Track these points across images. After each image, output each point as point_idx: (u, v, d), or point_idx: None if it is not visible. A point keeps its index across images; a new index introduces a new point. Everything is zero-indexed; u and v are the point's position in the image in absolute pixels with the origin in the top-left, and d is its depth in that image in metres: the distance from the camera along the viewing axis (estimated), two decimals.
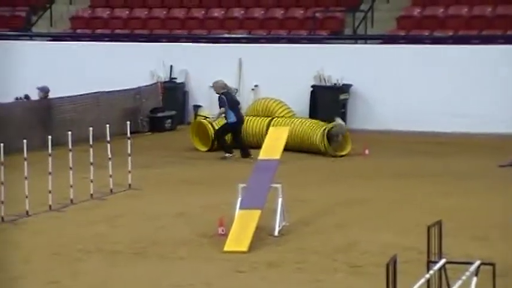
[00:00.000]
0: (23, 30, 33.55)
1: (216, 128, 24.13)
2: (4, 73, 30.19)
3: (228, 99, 23.62)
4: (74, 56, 30.58)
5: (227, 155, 23.41)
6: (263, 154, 16.94)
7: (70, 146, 18.34)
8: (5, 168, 16.89)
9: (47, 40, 32.53)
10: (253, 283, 13.32)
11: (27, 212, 17.17)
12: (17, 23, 33.86)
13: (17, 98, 26.70)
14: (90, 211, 17.96)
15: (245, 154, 23.28)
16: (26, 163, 17.20)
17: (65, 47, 31.49)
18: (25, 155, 17.25)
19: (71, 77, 28.73)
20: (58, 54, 30.86)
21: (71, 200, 18.27)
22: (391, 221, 16.76)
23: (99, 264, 14.26)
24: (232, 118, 23.49)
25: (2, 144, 16.88)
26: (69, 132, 18.55)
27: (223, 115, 23.69)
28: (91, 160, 18.77)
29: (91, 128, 18.96)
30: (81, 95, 25.95)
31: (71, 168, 18.28)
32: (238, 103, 24.33)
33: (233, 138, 23.91)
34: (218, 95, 23.72)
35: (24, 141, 17.40)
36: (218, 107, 23.71)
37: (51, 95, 26.52)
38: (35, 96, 26.84)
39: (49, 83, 26.98)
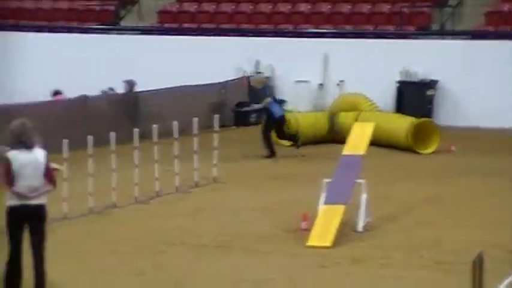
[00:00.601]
0: (111, 24, 33.87)
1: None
2: (92, 66, 30.51)
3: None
4: (161, 50, 30.79)
5: (270, 154, 23.18)
6: (347, 149, 16.81)
7: (156, 139, 18.50)
8: (93, 161, 17.12)
9: (135, 34, 32.74)
10: (337, 278, 13.30)
11: (114, 203, 17.38)
12: (106, 17, 34.19)
13: (102, 91, 26.96)
14: (175, 204, 18.11)
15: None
16: (113, 155, 17.41)
17: (153, 41, 31.73)
18: (113, 147, 17.45)
19: (157, 70, 28.88)
20: (145, 48, 31.12)
21: (157, 193, 18.43)
22: (477, 219, 16.59)
23: (183, 256, 14.36)
24: (280, 112, 23.41)
25: (91, 137, 17.14)
26: (155, 126, 18.72)
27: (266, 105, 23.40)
28: (176, 153, 18.92)
29: (176, 122, 19.13)
30: (167, 88, 26.12)
31: (156, 161, 18.43)
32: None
33: (277, 131, 23.61)
34: (261, 88, 23.66)
35: (112, 134, 17.60)
36: (261, 99, 23.63)
37: (137, 88, 26.79)
38: (120, 89, 27.09)
39: (136, 76, 27.24)
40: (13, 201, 11.51)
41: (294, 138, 23.53)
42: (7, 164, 11.44)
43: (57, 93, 26.80)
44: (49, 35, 32.76)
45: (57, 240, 15.19)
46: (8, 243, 11.64)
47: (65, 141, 16.71)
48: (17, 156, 11.48)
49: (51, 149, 17.09)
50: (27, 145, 11.58)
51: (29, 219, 11.62)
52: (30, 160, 11.54)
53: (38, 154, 11.65)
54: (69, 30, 33.09)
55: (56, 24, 33.65)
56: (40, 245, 11.69)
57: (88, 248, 14.81)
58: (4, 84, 30.11)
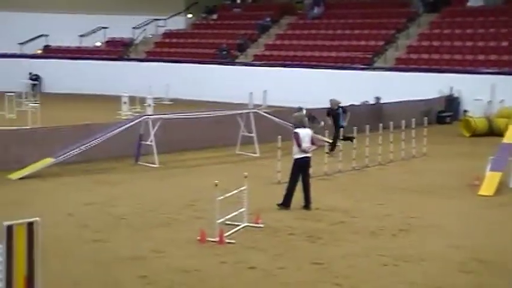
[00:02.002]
0: (368, 65, 33.48)
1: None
2: (356, 88, 30.29)
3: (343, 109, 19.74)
4: (395, 80, 30.19)
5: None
6: (506, 139, 16.02)
7: (391, 130, 18.26)
8: (357, 140, 17.09)
9: (382, 71, 32.26)
10: (495, 214, 12.69)
11: (367, 165, 17.28)
12: (365, 61, 33.86)
13: (362, 102, 26.84)
14: (400, 166, 17.79)
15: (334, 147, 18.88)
16: (367, 138, 17.33)
17: (391, 75, 31.19)
18: (367, 133, 17.35)
19: (392, 91, 28.27)
20: (388, 79, 30.68)
21: (391, 160, 18.19)
22: None
23: (405, 196, 14.12)
24: (343, 123, 19.37)
25: (355, 128, 17.13)
26: (391, 122, 18.49)
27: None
28: (403, 138, 18.59)
29: (403, 120, 18.80)
30: (399, 101, 25.63)
31: (391, 142, 18.15)
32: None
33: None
34: (338, 108, 19.57)
35: (367, 126, 17.51)
36: (343, 117, 19.45)
37: (381, 101, 26.59)
38: (371, 101, 26.96)
39: (380, 93, 27.06)
40: (299, 155, 12.50)
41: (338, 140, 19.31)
42: (298, 135, 12.50)
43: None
44: (334, 71, 32.96)
45: (333, 183, 15.37)
46: (290, 179, 12.55)
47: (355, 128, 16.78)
48: (301, 131, 12.56)
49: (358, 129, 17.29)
50: (304, 125, 12.72)
51: (304, 165, 12.56)
52: (306, 133, 12.59)
53: (309, 131, 12.68)
54: (343, 68, 33.11)
55: (333, 65, 33.76)
56: (308, 179, 12.67)
57: (350, 188, 14.86)
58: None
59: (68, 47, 41.43)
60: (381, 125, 18.37)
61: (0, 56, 39.93)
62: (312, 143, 12.60)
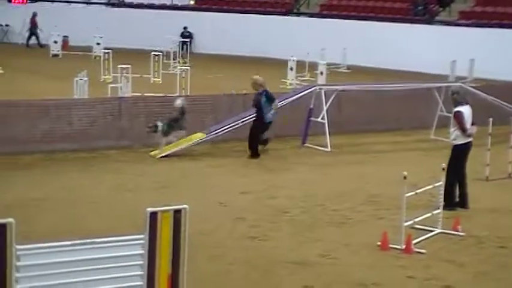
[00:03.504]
0: None
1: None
2: None
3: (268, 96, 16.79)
4: None
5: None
6: None
7: None
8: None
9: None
10: None
11: None
12: None
13: None
14: None
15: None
16: None
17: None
18: None
19: None
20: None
21: None
22: None
23: None
24: (270, 118, 16.74)
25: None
26: None
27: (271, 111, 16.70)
28: None
29: None
30: None
31: None
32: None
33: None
34: (263, 92, 16.62)
35: None
36: (267, 107, 16.53)
37: None
38: None
39: None
40: (462, 140, 12.53)
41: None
42: (461, 115, 12.45)
43: None
44: None
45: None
46: (452, 171, 12.26)
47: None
48: (465, 110, 12.53)
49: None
50: (467, 102, 12.71)
51: (467, 153, 12.70)
52: (469, 112, 12.62)
53: (470, 108, 12.64)
54: None
55: None
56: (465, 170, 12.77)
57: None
58: None
59: None
60: None
61: (147, 7, 42.05)
62: (473, 123, 12.65)
